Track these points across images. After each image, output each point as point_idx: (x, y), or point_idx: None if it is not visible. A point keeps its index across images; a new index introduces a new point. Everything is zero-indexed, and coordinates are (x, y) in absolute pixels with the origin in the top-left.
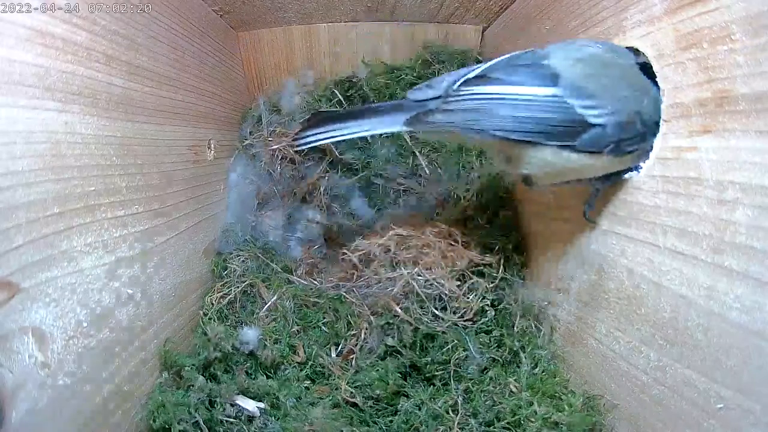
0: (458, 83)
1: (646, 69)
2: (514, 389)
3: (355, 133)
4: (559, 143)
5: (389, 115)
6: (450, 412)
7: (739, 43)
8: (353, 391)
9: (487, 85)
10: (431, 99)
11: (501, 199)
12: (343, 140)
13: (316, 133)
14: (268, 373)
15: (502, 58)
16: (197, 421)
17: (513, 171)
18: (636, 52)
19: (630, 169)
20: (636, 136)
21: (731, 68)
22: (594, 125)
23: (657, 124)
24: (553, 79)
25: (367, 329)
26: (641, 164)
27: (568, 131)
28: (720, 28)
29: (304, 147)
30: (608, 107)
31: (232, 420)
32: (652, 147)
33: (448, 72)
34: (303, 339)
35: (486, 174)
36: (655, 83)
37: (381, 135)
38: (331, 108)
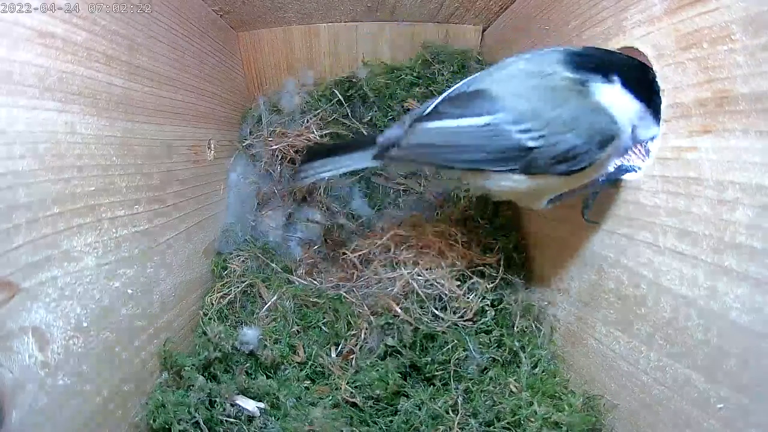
0: (414, 119)
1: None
2: (514, 389)
3: (339, 169)
4: (503, 168)
5: (362, 151)
6: (450, 412)
7: (739, 43)
8: (353, 391)
9: (433, 121)
10: (397, 133)
11: None
12: (331, 176)
13: (312, 168)
14: (268, 373)
15: (453, 88)
16: (197, 421)
17: (487, 194)
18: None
19: (629, 170)
20: (579, 154)
21: (731, 68)
22: (532, 148)
23: (606, 137)
24: (491, 106)
25: (367, 329)
26: (636, 165)
27: (509, 156)
28: (720, 28)
29: (303, 183)
30: (543, 130)
31: (232, 420)
32: (625, 152)
33: (453, 75)
34: (303, 339)
35: None
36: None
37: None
38: (330, 108)
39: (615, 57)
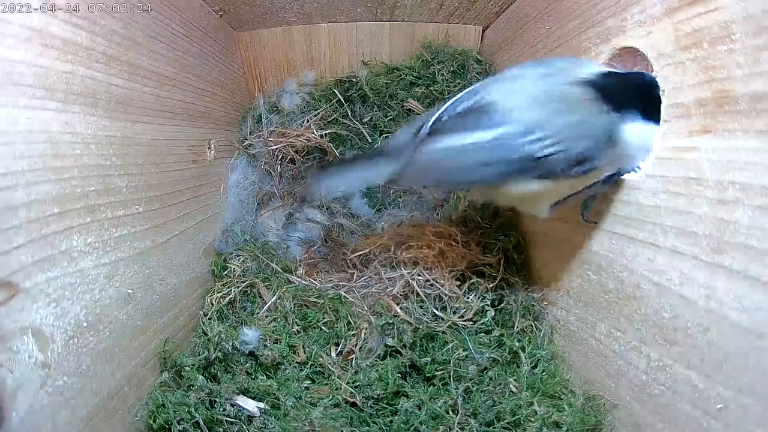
0: (423, 133)
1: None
2: (514, 389)
3: (354, 188)
4: (515, 179)
5: (378, 163)
6: (450, 412)
7: (739, 43)
8: (353, 391)
9: (438, 142)
10: (403, 144)
11: None
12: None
13: (320, 187)
14: (268, 373)
15: (459, 100)
16: (197, 420)
17: (500, 205)
18: (630, 50)
19: (628, 170)
20: (587, 158)
21: (731, 68)
22: (542, 157)
23: (609, 138)
24: (497, 119)
25: (367, 329)
26: (637, 166)
27: (520, 167)
28: (720, 28)
29: (314, 200)
30: (553, 137)
31: (232, 420)
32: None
33: (452, 75)
34: (303, 339)
35: None
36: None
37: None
38: (330, 108)
39: (630, 85)
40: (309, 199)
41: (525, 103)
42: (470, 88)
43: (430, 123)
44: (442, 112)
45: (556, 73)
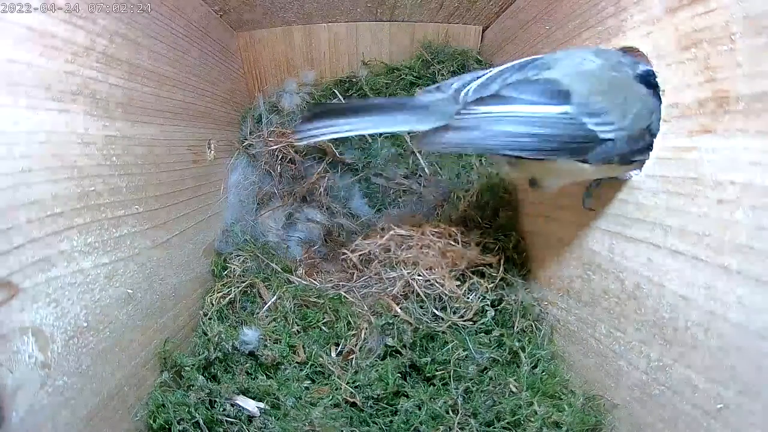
0: (470, 96)
1: (645, 79)
2: (514, 389)
3: (359, 130)
4: (571, 157)
5: (396, 114)
6: (450, 412)
7: (739, 43)
8: (353, 391)
9: (500, 105)
10: (438, 100)
11: (501, 199)
12: (345, 137)
13: (317, 128)
14: (268, 373)
15: (510, 70)
16: (197, 420)
17: (521, 176)
18: (630, 50)
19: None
20: (644, 147)
21: (731, 68)
22: (604, 140)
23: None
24: (564, 95)
25: (367, 329)
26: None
27: (581, 147)
28: (720, 28)
29: (304, 142)
30: (617, 123)
31: (232, 420)
32: None
33: (452, 75)
34: (303, 339)
35: (486, 174)
36: (656, 93)
37: (381, 135)
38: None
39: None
40: (298, 137)
41: (592, 86)
42: (518, 61)
43: (472, 89)
44: (487, 80)
45: (618, 65)
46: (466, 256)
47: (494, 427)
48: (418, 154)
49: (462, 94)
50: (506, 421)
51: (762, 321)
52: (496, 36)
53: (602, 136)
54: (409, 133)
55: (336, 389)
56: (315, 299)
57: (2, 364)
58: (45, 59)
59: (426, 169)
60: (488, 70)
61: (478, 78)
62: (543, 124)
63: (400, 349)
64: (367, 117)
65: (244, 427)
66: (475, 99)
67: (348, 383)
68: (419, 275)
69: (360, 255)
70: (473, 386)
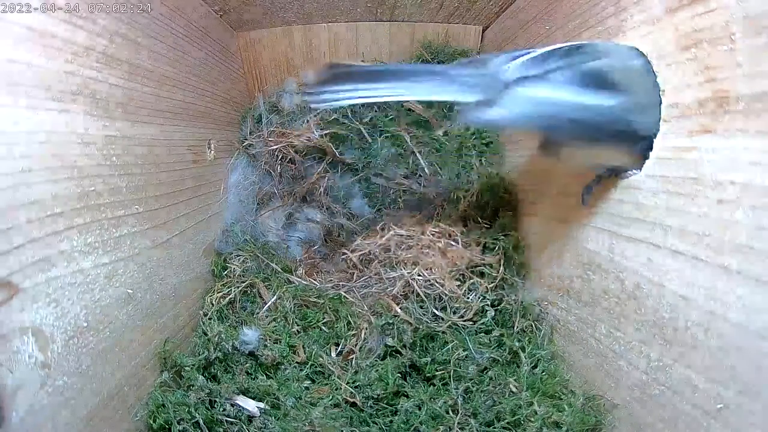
0: (514, 73)
1: None
2: (514, 389)
3: (389, 96)
4: (614, 147)
5: (432, 80)
6: (450, 412)
7: (739, 43)
8: (353, 391)
9: (552, 89)
10: (479, 74)
11: (501, 199)
12: (374, 102)
13: (337, 91)
14: (268, 373)
15: (556, 53)
16: (197, 420)
17: (545, 155)
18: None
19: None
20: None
21: (731, 68)
22: (646, 137)
23: None
24: (613, 87)
25: (367, 329)
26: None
27: (626, 139)
28: (720, 28)
29: (320, 106)
30: (654, 124)
31: (232, 420)
32: None
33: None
34: (303, 339)
35: (486, 174)
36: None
37: (404, 102)
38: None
39: None
40: (312, 101)
41: (640, 82)
42: (565, 45)
43: (515, 66)
44: (531, 60)
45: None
46: (466, 256)
47: (494, 427)
48: (417, 154)
49: (505, 69)
50: (506, 421)
51: (762, 321)
52: (496, 36)
53: (641, 133)
54: (445, 103)
55: (336, 389)
56: (315, 299)
57: (2, 364)
58: (45, 59)
59: (426, 169)
60: (531, 50)
61: (521, 56)
62: (594, 114)
63: (400, 349)
64: (399, 82)
65: (244, 427)
66: (519, 77)
67: (348, 383)
68: (419, 275)
69: (360, 255)
70: (473, 386)
